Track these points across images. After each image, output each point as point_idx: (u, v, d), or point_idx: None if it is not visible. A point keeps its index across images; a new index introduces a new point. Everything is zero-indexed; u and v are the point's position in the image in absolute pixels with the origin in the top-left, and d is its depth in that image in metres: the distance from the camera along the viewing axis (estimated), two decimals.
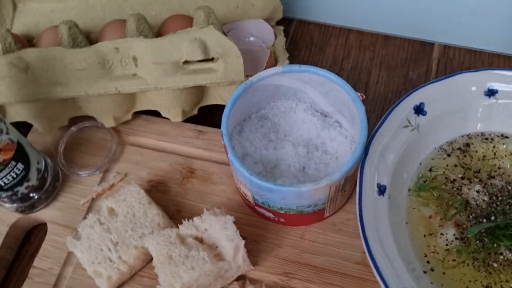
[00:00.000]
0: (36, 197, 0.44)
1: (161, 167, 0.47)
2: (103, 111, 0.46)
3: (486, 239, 0.37)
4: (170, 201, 0.45)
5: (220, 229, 0.38)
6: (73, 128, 0.49)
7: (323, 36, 0.58)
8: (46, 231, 0.46)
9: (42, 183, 0.44)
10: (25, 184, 0.42)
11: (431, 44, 0.56)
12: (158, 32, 0.50)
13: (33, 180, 0.43)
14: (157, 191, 0.46)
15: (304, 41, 0.58)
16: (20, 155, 0.41)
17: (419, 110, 0.40)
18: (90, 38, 0.52)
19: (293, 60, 0.55)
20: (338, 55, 0.56)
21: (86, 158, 0.48)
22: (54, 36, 0.49)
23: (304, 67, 0.40)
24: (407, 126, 0.40)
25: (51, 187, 0.45)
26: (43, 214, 0.46)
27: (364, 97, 0.39)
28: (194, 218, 0.39)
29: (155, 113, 0.49)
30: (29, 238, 0.48)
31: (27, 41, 0.53)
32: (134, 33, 0.45)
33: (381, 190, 0.37)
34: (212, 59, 0.42)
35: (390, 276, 0.33)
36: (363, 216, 0.35)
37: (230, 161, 0.37)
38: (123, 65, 0.43)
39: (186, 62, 0.42)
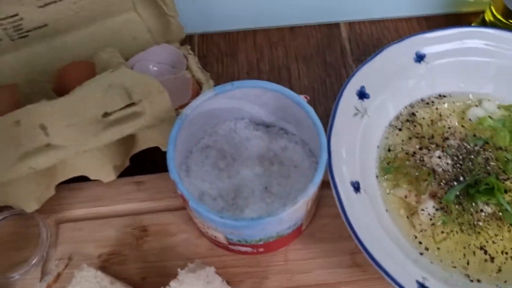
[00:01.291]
0: None
1: (108, 236, 0.41)
2: (21, 197, 0.39)
3: (464, 201, 0.37)
4: (132, 271, 0.40)
5: (204, 285, 0.34)
6: None
7: (230, 44, 0.55)
8: None
9: None
10: None
11: (337, 25, 0.56)
12: (58, 85, 0.44)
13: None
14: (113, 264, 0.40)
15: (213, 54, 0.54)
16: None
17: (362, 94, 0.39)
18: None
19: None
20: (251, 59, 0.54)
21: (15, 255, 0.40)
22: None
23: (237, 84, 0.37)
24: (356, 114, 0.38)
25: None
26: None
27: (308, 98, 0.37)
28: (171, 283, 0.34)
29: (83, 178, 0.42)
30: None
31: None
32: (32, 97, 0.39)
33: (356, 187, 0.35)
34: (134, 103, 0.37)
35: (398, 273, 0.31)
36: (348, 217, 0.33)
37: (193, 209, 0.33)
38: (30, 138, 0.36)
39: (106, 114, 0.36)
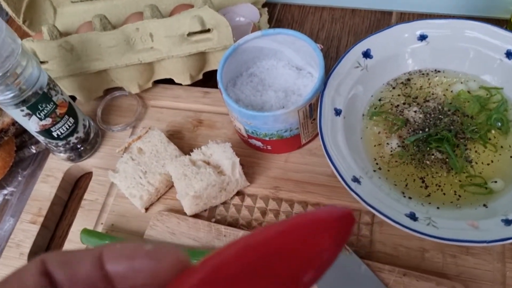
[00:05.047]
0: (82, 148, 0.58)
1: (176, 121, 0.61)
2: (130, 80, 0.60)
3: (421, 145, 0.49)
4: (185, 144, 0.59)
5: (221, 153, 0.51)
6: (108, 97, 0.63)
7: (302, 15, 0.71)
8: (91, 179, 0.60)
9: (87, 137, 0.58)
10: (75, 135, 0.56)
11: (389, 13, 0.68)
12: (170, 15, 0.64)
13: (81, 132, 0.57)
14: (174, 138, 0.59)
15: (287, 20, 0.71)
16: (71, 111, 0.55)
17: (366, 54, 0.52)
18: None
19: None
20: (314, 28, 0.69)
21: (118, 119, 0.62)
22: (89, 28, 0.64)
23: (277, 30, 0.53)
24: (357, 67, 0.52)
25: (93, 140, 0.59)
26: (88, 163, 0.60)
27: (322, 47, 0.51)
28: (202, 147, 0.53)
29: (170, 82, 0.62)
30: (78, 185, 0.61)
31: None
32: (150, 19, 0.59)
33: (337, 112, 0.49)
34: (208, 30, 0.55)
35: (341, 167, 0.45)
36: (322, 129, 0.47)
37: (225, 101, 0.50)
38: (142, 41, 0.56)
39: (189, 34, 0.55)
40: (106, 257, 0.17)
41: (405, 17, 0.67)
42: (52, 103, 0.51)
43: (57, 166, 0.60)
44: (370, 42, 0.53)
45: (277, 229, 0.18)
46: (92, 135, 0.59)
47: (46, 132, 0.53)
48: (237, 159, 0.51)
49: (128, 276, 0.17)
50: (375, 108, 0.53)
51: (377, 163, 0.49)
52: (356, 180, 0.45)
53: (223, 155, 0.51)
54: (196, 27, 0.54)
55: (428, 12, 0.67)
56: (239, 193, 0.54)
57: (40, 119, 0.51)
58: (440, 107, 0.51)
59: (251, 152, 0.57)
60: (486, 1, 0.64)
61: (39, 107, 0.50)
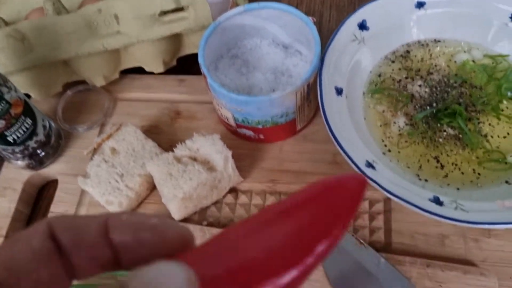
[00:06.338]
0: (43, 153, 0.50)
1: (151, 114, 0.54)
2: (93, 71, 0.52)
3: (431, 121, 0.45)
4: (163, 139, 0.52)
5: (210, 146, 0.45)
6: (68, 92, 0.55)
7: None
8: (56, 188, 0.52)
9: (48, 140, 0.50)
10: (34, 139, 0.48)
11: None
12: None
13: (41, 135, 0.49)
14: (151, 133, 0.52)
15: None
16: (28, 111, 0.46)
17: (362, 26, 0.47)
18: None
19: None
20: (291, 3, 0.63)
21: (83, 117, 0.54)
22: (40, 15, 0.55)
23: (262, 4, 0.47)
24: (354, 40, 0.47)
25: (55, 143, 0.51)
26: (52, 170, 0.52)
27: (315, 19, 0.46)
28: (186, 141, 0.46)
29: (139, 72, 0.55)
30: (42, 195, 0.53)
31: None
32: None
33: (339, 91, 0.44)
34: (182, 9, 0.48)
35: (352, 152, 0.40)
36: (326, 112, 0.42)
37: (210, 85, 0.44)
38: (106, 25, 0.49)
39: (161, 14, 0.48)
40: (111, 225, 0.17)
41: None
42: (4, 102, 0.43)
43: (14, 176, 0.51)
44: (365, 13, 0.48)
45: (288, 204, 0.17)
46: (53, 137, 0.51)
47: (0, 137, 0.45)
48: (230, 152, 0.44)
49: (132, 248, 0.17)
50: (375, 85, 0.48)
51: (385, 145, 0.44)
52: (370, 165, 0.40)
53: (212, 149, 0.45)
54: (169, 5, 0.47)
55: None
56: (232, 191, 0.48)
57: None
58: (445, 79, 0.47)
59: (240, 143, 0.50)
60: None
61: None
